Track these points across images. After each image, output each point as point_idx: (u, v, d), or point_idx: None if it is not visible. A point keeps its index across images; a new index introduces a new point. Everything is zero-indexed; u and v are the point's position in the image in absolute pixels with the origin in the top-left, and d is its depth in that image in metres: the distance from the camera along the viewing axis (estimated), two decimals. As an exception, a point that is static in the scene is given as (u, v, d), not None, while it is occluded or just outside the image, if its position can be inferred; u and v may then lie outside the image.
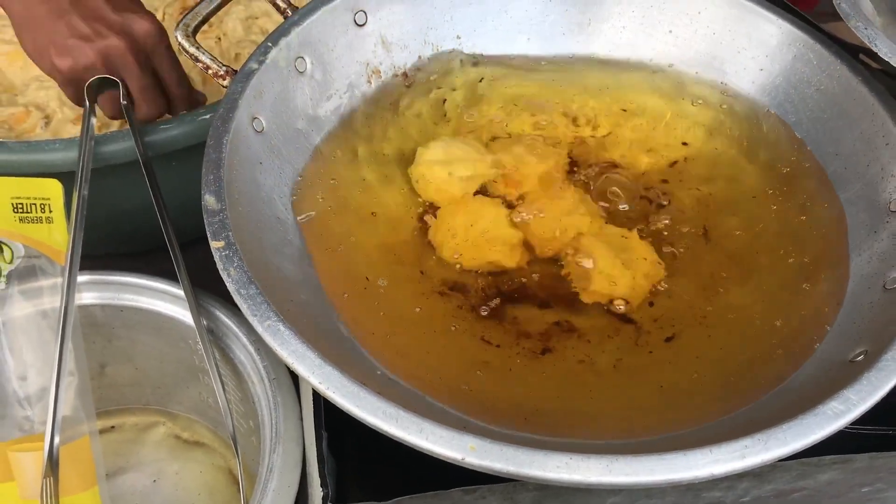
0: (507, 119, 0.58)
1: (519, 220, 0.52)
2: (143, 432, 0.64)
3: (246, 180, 0.48)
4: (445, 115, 0.58)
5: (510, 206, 0.53)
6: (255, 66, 0.51)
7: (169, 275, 0.56)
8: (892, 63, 0.43)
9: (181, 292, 0.56)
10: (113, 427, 0.64)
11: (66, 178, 0.56)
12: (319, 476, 0.42)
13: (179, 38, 0.52)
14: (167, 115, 0.63)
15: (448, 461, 0.36)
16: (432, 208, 0.53)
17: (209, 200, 0.45)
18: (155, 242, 0.65)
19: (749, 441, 0.36)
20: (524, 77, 0.60)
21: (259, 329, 0.40)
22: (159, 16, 0.78)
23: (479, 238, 0.50)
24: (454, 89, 0.59)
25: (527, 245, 0.51)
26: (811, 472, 0.41)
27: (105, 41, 0.56)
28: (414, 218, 0.53)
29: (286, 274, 0.47)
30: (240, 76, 0.50)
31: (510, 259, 0.50)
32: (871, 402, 0.38)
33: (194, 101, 0.63)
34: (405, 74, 0.59)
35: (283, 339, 0.39)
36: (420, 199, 0.54)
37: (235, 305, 0.55)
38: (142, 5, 0.60)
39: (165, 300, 0.57)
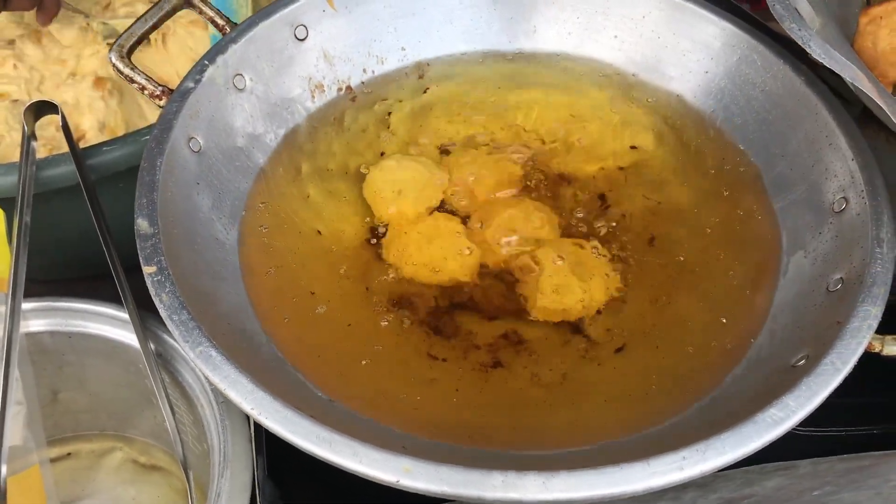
0: (455, 129, 0.58)
1: (473, 233, 0.51)
2: (99, 458, 0.63)
3: (183, 201, 0.47)
4: (390, 128, 0.58)
5: (464, 220, 0.53)
6: (190, 84, 0.50)
7: (115, 301, 0.56)
8: (824, 64, 0.43)
9: (125, 315, 0.56)
10: (69, 454, 0.63)
11: (7, 203, 0.56)
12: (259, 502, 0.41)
13: (113, 60, 0.51)
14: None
15: (384, 484, 0.36)
16: (381, 224, 0.52)
17: (142, 225, 0.44)
18: (101, 268, 0.65)
19: (687, 452, 0.36)
20: (470, 87, 0.60)
21: (191, 355, 0.39)
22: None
23: (434, 254, 0.50)
24: (400, 101, 0.59)
25: (478, 257, 0.51)
26: (756, 479, 0.41)
27: None
28: (361, 234, 0.52)
29: (224, 297, 0.46)
30: (175, 96, 0.50)
31: (465, 273, 0.50)
32: (809, 409, 0.38)
33: None
34: (349, 88, 0.58)
35: (214, 364, 0.39)
36: (367, 216, 0.53)
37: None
38: None
39: (114, 325, 0.56)
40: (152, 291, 0.41)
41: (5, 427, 0.51)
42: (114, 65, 0.51)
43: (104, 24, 0.77)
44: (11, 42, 0.77)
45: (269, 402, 0.37)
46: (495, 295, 0.50)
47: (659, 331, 0.48)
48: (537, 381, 0.45)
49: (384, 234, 0.52)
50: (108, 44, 0.76)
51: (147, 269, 0.42)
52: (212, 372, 0.38)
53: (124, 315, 0.56)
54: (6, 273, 0.55)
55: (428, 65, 0.60)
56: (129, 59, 0.52)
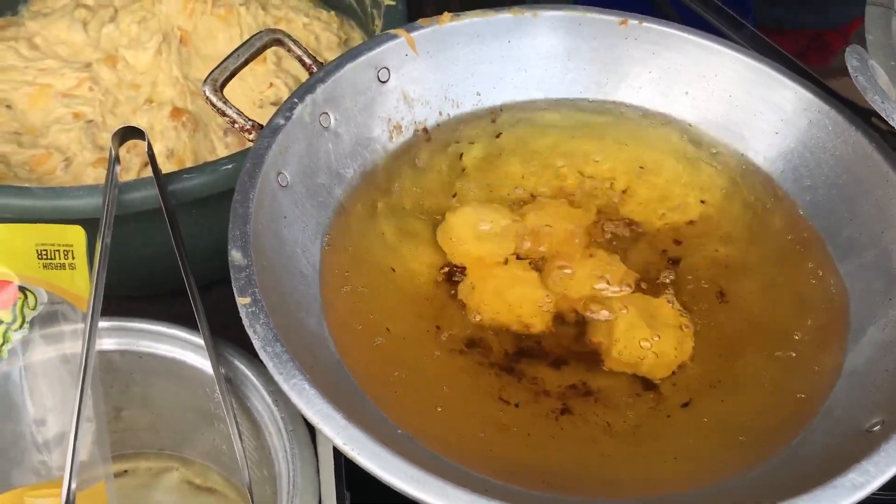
0: (526, 174, 0.59)
1: (547, 282, 0.53)
2: (156, 477, 0.64)
3: (271, 235, 0.49)
4: (464, 171, 0.59)
5: (538, 268, 0.54)
6: (281, 121, 0.52)
7: (183, 319, 0.57)
8: (908, 136, 0.44)
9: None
10: (126, 471, 0.64)
11: (89, 224, 0.57)
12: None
13: (207, 93, 0.53)
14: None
15: (469, 525, 0.37)
16: (455, 266, 0.54)
17: (236, 256, 0.45)
18: (170, 286, 0.66)
19: (767, 512, 0.37)
20: (541, 133, 0.61)
21: (285, 388, 0.40)
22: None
23: (509, 300, 0.51)
24: (472, 143, 0.60)
25: (554, 306, 0.52)
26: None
27: None
28: (434, 274, 0.54)
29: (309, 329, 0.47)
30: (266, 131, 0.51)
31: (538, 321, 0.51)
32: (889, 474, 0.38)
33: None
34: (425, 130, 0.60)
35: (308, 398, 0.40)
36: (441, 257, 0.54)
37: (254, 354, 0.56)
38: None
39: (184, 348, 0.58)
40: (246, 322, 0.43)
41: (77, 443, 0.52)
42: (207, 97, 0.53)
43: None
44: (88, 65, 0.80)
45: (362, 438, 0.38)
46: (566, 342, 0.51)
47: (725, 386, 0.49)
48: (609, 430, 0.46)
49: (458, 276, 0.53)
50: (184, 75, 0.78)
51: (241, 300, 0.43)
52: (305, 405, 0.39)
53: (194, 338, 0.57)
54: (85, 292, 0.57)
55: (501, 110, 0.62)
56: (222, 92, 0.53)
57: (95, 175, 0.73)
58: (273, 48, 0.57)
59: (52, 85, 0.78)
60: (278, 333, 0.42)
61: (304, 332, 0.46)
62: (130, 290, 0.68)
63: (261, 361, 0.57)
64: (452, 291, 0.53)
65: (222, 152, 0.76)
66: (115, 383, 0.59)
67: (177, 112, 0.75)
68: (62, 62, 0.80)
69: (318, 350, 0.46)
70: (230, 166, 0.61)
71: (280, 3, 0.86)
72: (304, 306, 0.48)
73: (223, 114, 0.53)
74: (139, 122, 0.77)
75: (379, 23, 0.78)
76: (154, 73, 0.79)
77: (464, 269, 0.54)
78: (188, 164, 0.74)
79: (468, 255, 0.54)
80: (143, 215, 0.60)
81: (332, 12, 0.87)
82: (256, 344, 0.42)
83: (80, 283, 0.56)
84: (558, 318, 0.52)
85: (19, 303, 0.53)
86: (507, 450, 0.45)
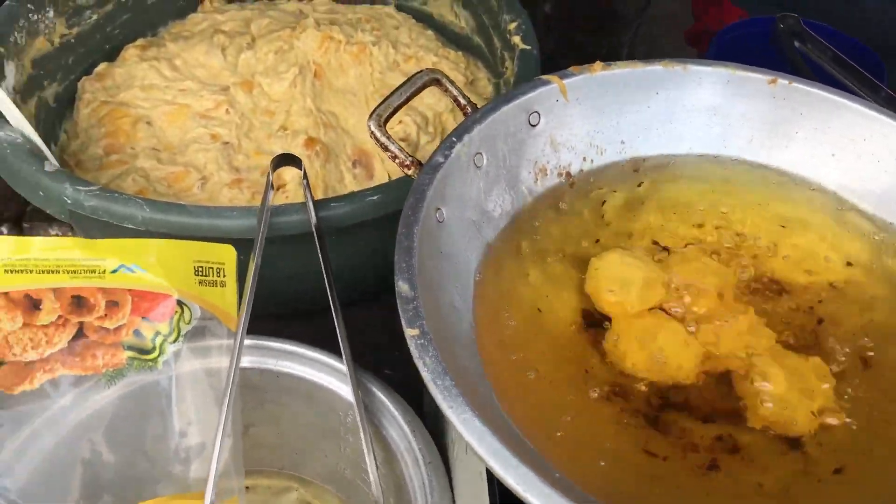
0: (666, 226, 0.60)
1: (694, 335, 0.53)
2: (276, 495, 0.65)
3: (429, 269, 0.50)
4: (604, 217, 0.60)
5: (681, 320, 0.54)
6: (441, 159, 0.53)
7: (313, 339, 0.59)
8: None
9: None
10: (248, 487, 0.65)
11: (239, 243, 0.59)
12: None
13: (372, 127, 0.55)
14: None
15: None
16: (601, 313, 0.54)
17: (403, 287, 0.46)
18: (305, 306, 0.68)
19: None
20: (683, 186, 0.62)
21: (455, 422, 0.41)
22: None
23: (656, 352, 0.51)
24: (614, 191, 0.61)
25: (699, 360, 0.52)
26: None
27: None
28: (579, 319, 0.54)
29: (464, 363, 0.48)
30: (427, 168, 0.53)
31: (685, 375, 0.51)
32: None
33: None
34: (569, 174, 0.61)
35: (479, 434, 0.40)
36: (586, 302, 0.55)
37: (388, 380, 0.57)
38: None
39: (322, 370, 0.59)
40: (415, 354, 0.44)
41: (215, 457, 0.54)
42: (372, 132, 0.55)
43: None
44: (225, 88, 0.83)
45: (533, 480, 0.39)
46: (711, 397, 0.51)
47: (878, 456, 0.48)
48: (761, 490, 0.46)
49: (603, 323, 0.54)
50: (317, 107, 0.80)
51: (410, 332, 0.44)
52: (477, 442, 0.40)
53: (332, 361, 0.59)
54: (232, 309, 0.59)
55: (644, 160, 0.62)
56: (385, 128, 0.55)
57: (230, 195, 0.75)
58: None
59: (190, 105, 0.81)
60: (447, 366, 0.43)
61: (461, 366, 0.47)
62: (267, 308, 0.70)
63: (397, 390, 0.59)
64: (597, 338, 0.53)
65: (350, 182, 0.78)
66: (250, 400, 0.61)
67: (310, 141, 0.77)
68: (201, 84, 0.84)
69: (475, 385, 0.47)
70: (375, 198, 0.63)
71: (410, 41, 0.88)
72: (459, 340, 0.49)
73: (386, 148, 0.55)
74: (272, 147, 0.79)
75: (510, 65, 0.80)
76: (288, 102, 0.82)
77: (608, 316, 0.54)
78: (318, 192, 0.76)
79: (613, 303, 0.54)
80: (290, 238, 0.62)
81: (460, 52, 0.89)
82: (426, 376, 0.43)
83: (228, 300, 0.58)
84: (704, 372, 0.52)
85: (176, 316, 0.55)
86: (661, 501, 0.45)
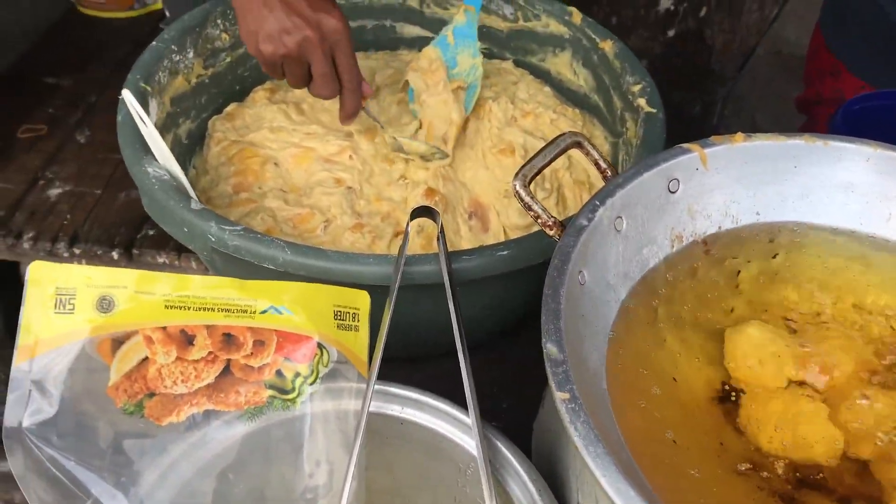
0: (801, 300, 0.59)
1: (833, 414, 0.52)
2: (385, 541, 0.66)
3: (571, 330, 0.50)
4: (739, 287, 0.60)
5: (820, 397, 0.53)
6: (584, 222, 0.54)
7: (430, 383, 0.60)
8: None
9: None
10: (356, 530, 0.66)
11: (372, 289, 0.61)
12: None
13: (517, 188, 0.56)
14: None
15: None
16: (737, 386, 0.54)
17: (552, 350, 0.47)
18: (421, 350, 0.69)
19: None
20: (818, 260, 0.61)
21: (609, 490, 0.41)
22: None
23: (795, 431, 0.51)
24: (749, 261, 0.61)
25: (838, 440, 0.51)
26: None
27: (302, 34, 0.70)
28: (714, 390, 0.54)
29: (603, 427, 0.48)
30: (571, 231, 0.54)
31: (825, 457, 0.50)
32: None
33: (361, 92, 0.77)
34: (705, 242, 0.61)
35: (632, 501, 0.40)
36: (721, 372, 0.55)
37: (511, 435, 0.57)
38: (334, 4, 0.73)
39: (446, 421, 0.60)
40: (566, 418, 0.44)
41: (344, 499, 0.55)
42: (517, 192, 0.56)
43: (394, 138, 0.84)
44: (350, 135, 0.86)
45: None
46: (849, 478, 0.50)
47: None
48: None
49: (738, 396, 0.53)
50: (404, 158, 0.82)
51: (561, 395, 0.45)
52: (629, 509, 0.40)
53: (455, 412, 0.59)
54: (363, 353, 0.60)
55: (779, 231, 0.62)
56: (529, 188, 0.56)
57: (352, 239, 0.77)
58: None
59: (315, 149, 0.84)
60: (598, 433, 0.43)
61: (602, 430, 0.47)
62: (386, 352, 0.72)
63: (519, 446, 0.59)
64: (733, 411, 0.53)
65: (465, 233, 0.80)
66: (370, 443, 0.62)
67: (430, 192, 0.79)
68: (326, 129, 0.87)
69: (618, 451, 0.47)
70: (506, 253, 0.64)
71: (528, 97, 0.90)
72: (599, 404, 0.49)
73: (529, 208, 0.56)
74: (392, 194, 0.81)
75: (631, 125, 0.80)
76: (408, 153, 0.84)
77: (744, 389, 0.54)
78: (433, 241, 0.77)
79: (750, 376, 0.54)
80: (420, 287, 0.63)
81: (577, 110, 0.90)
82: (578, 442, 0.43)
83: (361, 344, 0.60)
84: (842, 452, 0.51)
85: (316, 359, 0.56)
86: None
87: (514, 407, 0.78)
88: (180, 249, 1.04)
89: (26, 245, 1.05)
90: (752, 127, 2.48)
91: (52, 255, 1.05)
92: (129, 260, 1.05)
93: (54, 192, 1.10)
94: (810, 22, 2.78)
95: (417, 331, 0.66)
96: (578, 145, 0.60)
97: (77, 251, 1.04)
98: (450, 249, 0.75)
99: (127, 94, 0.68)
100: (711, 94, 1.69)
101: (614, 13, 1.50)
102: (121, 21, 1.42)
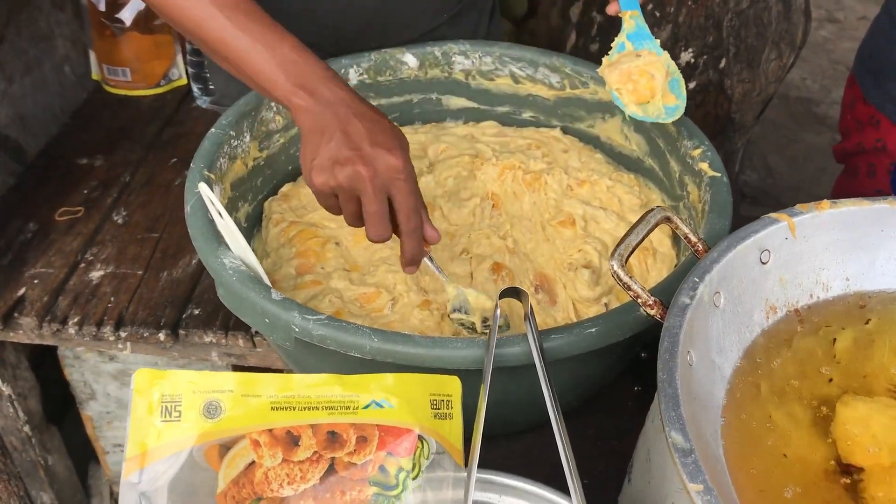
0: (899, 365, 0.58)
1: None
2: None
3: (689, 417, 0.49)
4: (836, 357, 0.59)
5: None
6: (687, 300, 0.54)
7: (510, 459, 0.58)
8: None
9: (559, 499, 0.58)
10: None
11: (459, 373, 0.60)
12: None
13: (615, 268, 0.55)
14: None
15: None
16: (852, 464, 0.53)
17: (677, 438, 0.46)
18: (502, 430, 0.68)
19: None
20: (911, 324, 0.61)
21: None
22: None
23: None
24: (843, 329, 0.60)
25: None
26: None
27: (353, 167, 0.66)
28: (828, 467, 0.53)
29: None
30: (676, 310, 0.53)
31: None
32: None
33: (425, 236, 0.71)
34: (797, 311, 0.60)
35: None
36: (832, 449, 0.54)
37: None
38: (398, 145, 0.69)
39: (546, 507, 0.58)
40: (704, 511, 0.43)
41: None
42: (615, 272, 0.56)
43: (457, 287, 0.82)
44: (409, 210, 0.85)
45: None
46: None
47: None
48: None
49: (855, 474, 0.52)
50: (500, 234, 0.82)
51: (694, 487, 0.44)
52: None
53: (553, 496, 0.58)
54: (458, 441, 0.59)
55: (869, 297, 0.62)
56: (625, 267, 0.56)
57: (420, 317, 0.77)
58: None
59: (374, 226, 0.84)
60: (739, 527, 0.42)
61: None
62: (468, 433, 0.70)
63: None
64: (853, 489, 0.52)
65: (534, 307, 0.79)
66: (467, 534, 0.60)
67: (498, 266, 0.79)
68: (382, 206, 0.86)
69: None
70: (594, 330, 0.63)
71: (580, 165, 0.90)
72: (724, 491, 0.48)
73: (628, 288, 0.55)
74: (455, 269, 0.81)
75: (692, 189, 0.80)
76: (468, 227, 0.84)
77: (860, 468, 0.53)
78: (501, 313, 0.76)
79: (865, 454, 0.53)
80: (508, 368, 0.62)
81: (632, 175, 0.90)
82: (720, 536, 0.42)
83: (455, 432, 0.58)
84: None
85: (417, 452, 0.55)
86: None
87: (596, 482, 0.76)
88: (227, 328, 1.03)
89: (71, 330, 1.04)
90: (767, 170, 2.50)
91: (98, 339, 1.04)
92: (175, 341, 1.04)
93: (96, 274, 1.10)
94: (814, 64, 2.80)
95: (500, 410, 0.65)
96: (668, 220, 0.60)
97: (123, 334, 1.03)
98: (519, 327, 0.75)
99: (204, 188, 0.68)
100: (732, 142, 1.70)
101: (635, 69, 1.52)
102: (147, 98, 1.43)
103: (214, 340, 1.05)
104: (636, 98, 0.78)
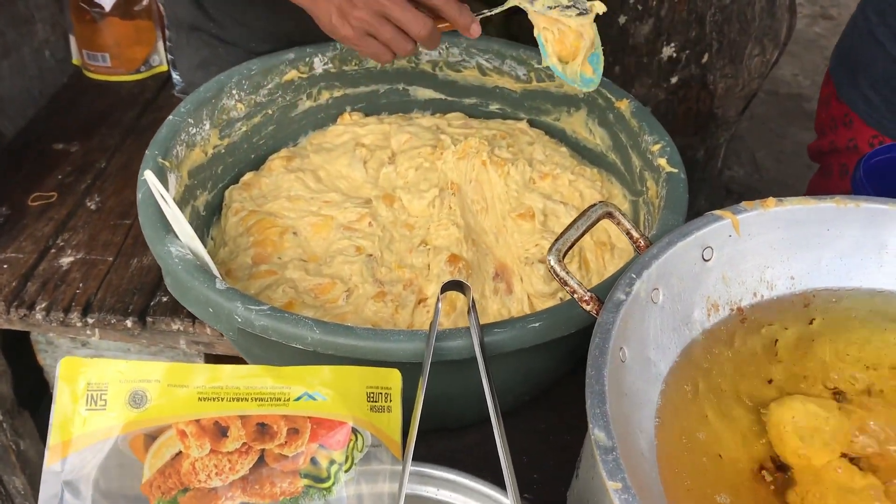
0: (841, 366, 0.58)
1: (886, 492, 0.50)
2: None
3: (617, 413, 0.49)
4: (777, 356, 0.59)
5: (871, 470, 0.52)
6: (622, 297, 0.53)
7: (457, 455, 0.58)
8: None
9: (497, 495, 0.58)
10: None
11: (400, 366, 0.59)
12: None
13: (552, 263, 0.55)
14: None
15: None
16: (783, 462, 0.53)
17: (600, 436, 0.46)
18: (448, 423, 0.68)
19: None
20: (855, 323, 0.60)
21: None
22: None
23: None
24: (786, 328, 0.60)
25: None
26: None
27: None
28: (760, 466, 0.53)
29: (656, 514, 0.47)
30: (610, 306, 0.53)
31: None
32: None
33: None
34: (740, 310, 0.60)
35: None
36: (766, 448, 0.53)
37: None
38: None
39: (481, 501, 0.58)
40: (619, 509, 0.43)
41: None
42: (551, 266, 0.55)
43: None
44: (368, 201, 0.85)
45: None
46: (909, 557, 0.49)
47: None
48: None
49: (786, 472, 0.52)
50: (458, 225, 0.82)
51: (612, 485, 0.44)
52: None
53: (491, 492, 0.58)
54: (396, 434, 0.59)
55: (814, 296, 0.61)
56: (563, 262, 0.55)
57: (374, 308, 0.76)
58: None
59: (334, 217, 0.84)
60: (654, 526, 0.42)
61: (655, 519, 0.46)
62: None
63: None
64: (783, 488, 0.51)
65: (490, 294, 0.79)
66: (404, 526, 0.60)
67: (454, 258, 0.78)
68: (344, 196, 0.86)
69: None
70: (537, 325, 0.63)
71: (545, 158, 0.90)
72: (648, 490, 0.48)
73: (565, 283, 0.55)
74: (413, 261, 0.80)
75: (651, 185, 0.80)
76: (427, 219, 0.83)
77: (792, 465, 0.53)
78: (459, 304, 0.76)
79: (796, 453, 0.53)
80: (450, 362, 0.62)
81: (595, 169, 0.90)
82: (634, 535, 0.42)
83: (394, 426, 0.58)
84: (900, 530, 0.50)
85: (351, 444, 0.55)
86: None
87: (546, 477, 0.76)
88: (195, 316, 1.03)
89: (39, 316, 1.03)
90: (754, 166, 2.50)
91: (65, 325, 1.04)
92: (143, 328, 1.04)
93: (66, 260, 1.09)
94: (806, 61, 2.79)
95: (445, 404, 0.65)
96: (609, 215, 0.59)
97: (90, 320, 1.03)
98: (477, 314, 0.74)
99: (150, 176, 0.68)
100: (715, 138, 1.69)
101: (617, 62, 1.50)
102: (127, 84, 1.42)
103: (182, 328, 1.05)
104: (559, 51, 0.76)
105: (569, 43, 0.73)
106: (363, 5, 0.70)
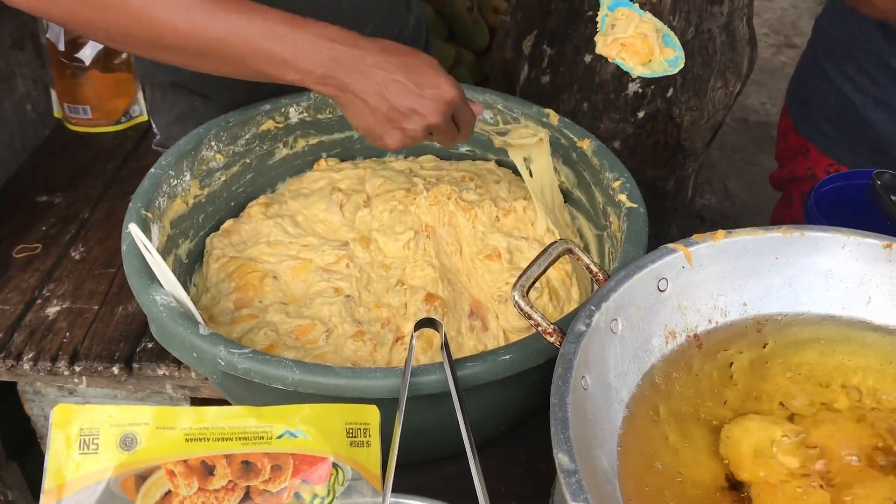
0: (794, 387, 0.62)
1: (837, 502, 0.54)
2: None
3: (579, 436, 0.52)
4: (733, 378, 0.62)
5: (825, 486, 0.55)
6: (583, 328, 0.57)
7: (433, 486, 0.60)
8: None
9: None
10: None
11: (379, 402, 0.62)
12: None
13: (516, 297, 0.59)
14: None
15: None
16: (740, 480, 0.56)
17: (563, 460, 0.49)
18: (425, 456, 0.70)
19: None
20: (806, 346, 0.64)
21: None
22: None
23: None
24: (741, 352, 0.63)
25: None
26: None
27: (425, 121, 0.74)
28: (719, 485, 0.56)
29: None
30: (571, 337, 0.56)
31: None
32: None
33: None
34: (696, 336, 0.64)
35: None
36: (724, 467, 0.57)
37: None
38: (436, 73, 0.75)
39: (460, 530, 0.61)
40: (583, 529, 0.46)
41: None
42: (516, 302, 0.59)
43: None
44: (345, 243, 0.88)
45: None
46: (860, 564, 0.52)
47: None
48: None
49: (743, 490, 0.55)
50: (433, 266, 0.85)
51: (575, 507, 0.47)
52: None
53: (469, 521, 0.61)
54: (376, 468, 0.61)
55: (766, 321, 0.65)
56: (527, 297, 0.59)
57: (354, 347, 0.79)
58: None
59: (313, 260, 0.87)
60: (615, 543, 0.45)
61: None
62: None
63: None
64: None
65: (465, 331, 0.82)
66: (387, 558, 0.63)
67: (430, 297, 0.82)
68: (322, 239, 0.89)
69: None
70: (508, 357, 0.66)
71: (508, 195, 0.93)
72: (612, 509, 0.51)
73: (529, 317, 0.58)
74: (391, 300, 0.84)
75: (614, 219, 0.84)
76: (402, 259, 0.87)
77: (748, 484, 0.56)
78: (434, 343, 0.79)
79: (752, 471, 0.56)
80: (425, 396, 0.65)
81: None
82: (596, 551, 0.45)
83: (373, 460, 0.61)
84: (850, 540, 0.53)
85: (332, 479, 0.58)
86: None
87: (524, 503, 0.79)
88: (179, 361, 1.05)
89: (26, 366, 1.06)
90: (726, 194, 2.55)
91: (53, 374, 1.06)
92: (129, 374, 1.06)
93: (52, 309, 1.12)
94: (773, 89, 2.86)
95: (422, 437, 0.68)
96: (570, 252, 0.63)
97: (77, 368, 1.05)
98: (453, 351, 0.77)
99: (134, 228, 0.71)
100: (683, 168, 1.74)
101: (585, 99, 1.56)
102: (108, 135, 1.46)
103: (167, 373, 1.07)
104: (639, 59, 0.80)
105: (641, 48, 0.77)
106: (414, 124, 0.74)
